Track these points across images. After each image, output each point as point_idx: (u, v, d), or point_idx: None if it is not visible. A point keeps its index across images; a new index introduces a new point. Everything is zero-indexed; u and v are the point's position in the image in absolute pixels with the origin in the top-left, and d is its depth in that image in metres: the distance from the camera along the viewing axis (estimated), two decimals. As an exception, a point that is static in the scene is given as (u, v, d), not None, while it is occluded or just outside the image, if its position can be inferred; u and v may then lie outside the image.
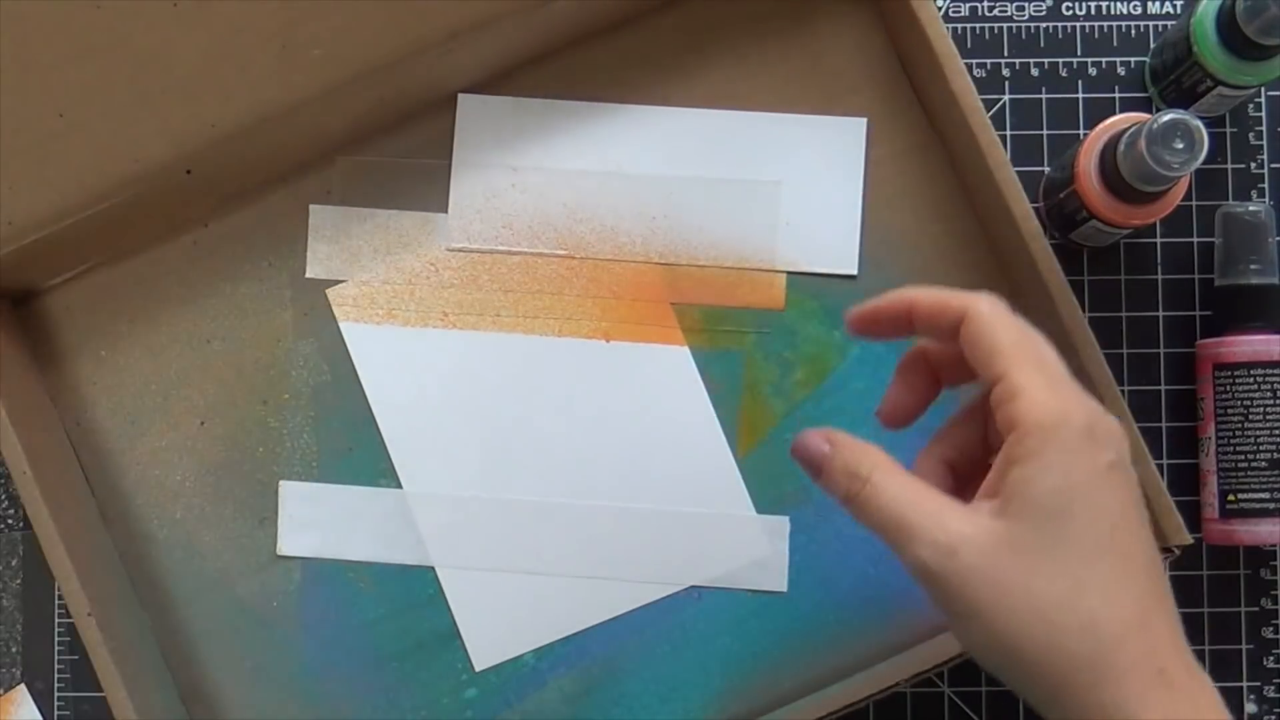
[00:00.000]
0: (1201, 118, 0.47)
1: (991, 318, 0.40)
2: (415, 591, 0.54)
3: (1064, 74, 0.57)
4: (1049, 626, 0.37)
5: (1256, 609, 0.56)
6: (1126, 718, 0.36)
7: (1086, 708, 0.37)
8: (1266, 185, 0.57)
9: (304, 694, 0.54)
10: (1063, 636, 0.37)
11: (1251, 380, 0.53)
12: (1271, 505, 0.53)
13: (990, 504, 0.39)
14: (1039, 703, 0.38)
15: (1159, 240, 0.57)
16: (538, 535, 0.54)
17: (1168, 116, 0.47)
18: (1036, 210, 0.52)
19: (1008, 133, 0.57)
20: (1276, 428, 0.53)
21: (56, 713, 0.56)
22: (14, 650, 0.56)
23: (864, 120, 0.55)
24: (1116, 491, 0.38)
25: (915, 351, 0.44)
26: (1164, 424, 0.56)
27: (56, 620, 0.56)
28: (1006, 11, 0.57)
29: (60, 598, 0.56)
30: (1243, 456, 0.53)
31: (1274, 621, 0.55)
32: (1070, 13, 0.57)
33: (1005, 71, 0.57)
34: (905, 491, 0.39)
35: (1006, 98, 0.57)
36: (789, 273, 0.55)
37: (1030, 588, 0.37)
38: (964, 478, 0.44)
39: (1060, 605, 0.37)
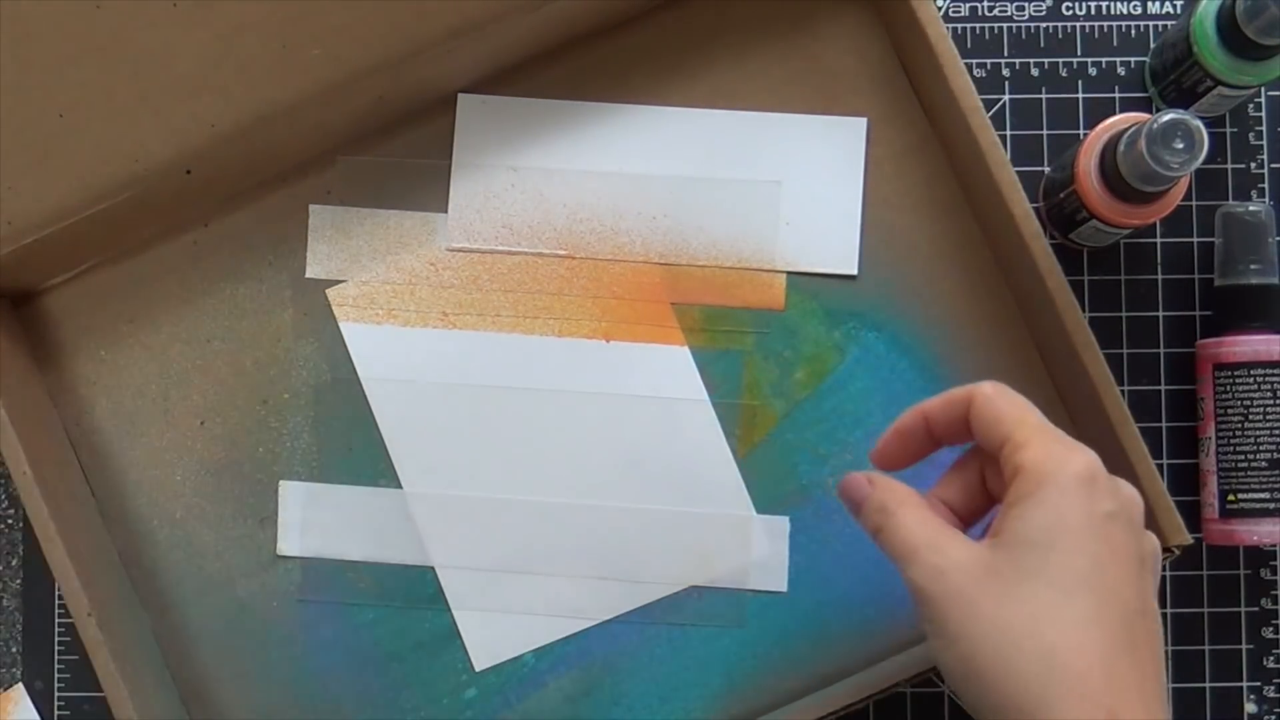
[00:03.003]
0: (1201, 118, 0.47)
1: (995, 395, 0.42)
2: (415, 591, 0.54)
3: (1064, 74, 0.57)
4: (1010, 650, 0.38)
5: (1256, 609, 0.56)
6: None
7: None
8: (1266, 185, 0.57)
9: (304, 694, 0.54)
10: (1020, 661, 0.38)
11: (1251, 380, 0.53)
12: (1271, 505, 0.53)
13: (989, 540, 0.40)
14: None
15: (1159, 240, 0.57)
16: (538, 535, 0.54)
17: (1168, 116, 0.47)
18: (1036, 210, 0.52)
19: (1008, 133, 0.57)
20: (1276, 428, 0.53)
21: (56, 713, 0.56)
22: (14, 650, 0.56)
23: (864, 120, 0.55)
24: (1109, 541, 0.39)
25: (915, 412, 0.45)
26: (1164, 424, 0.56)
27: (56, 620, 0.56)
28: (1006, 11, 0.57)
29: (60, 598, 0.56)
30: (1243, 456, 0.53)
31: (1274, 621, 0.55)
32: (1070, 13, 0.57)
33: (1005, 71, 0.57)
34: (920, 523, 0.41)
35: (1006, 98, 0.57)
36: (789, 273, 0.55)
37: (999, 612, 0.38)
38: (966, 523, 0.45)
39: (1025, 632, 0.38)
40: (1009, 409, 0.42)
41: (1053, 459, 0.40)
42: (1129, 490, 0.41)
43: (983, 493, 0.45)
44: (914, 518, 0.42)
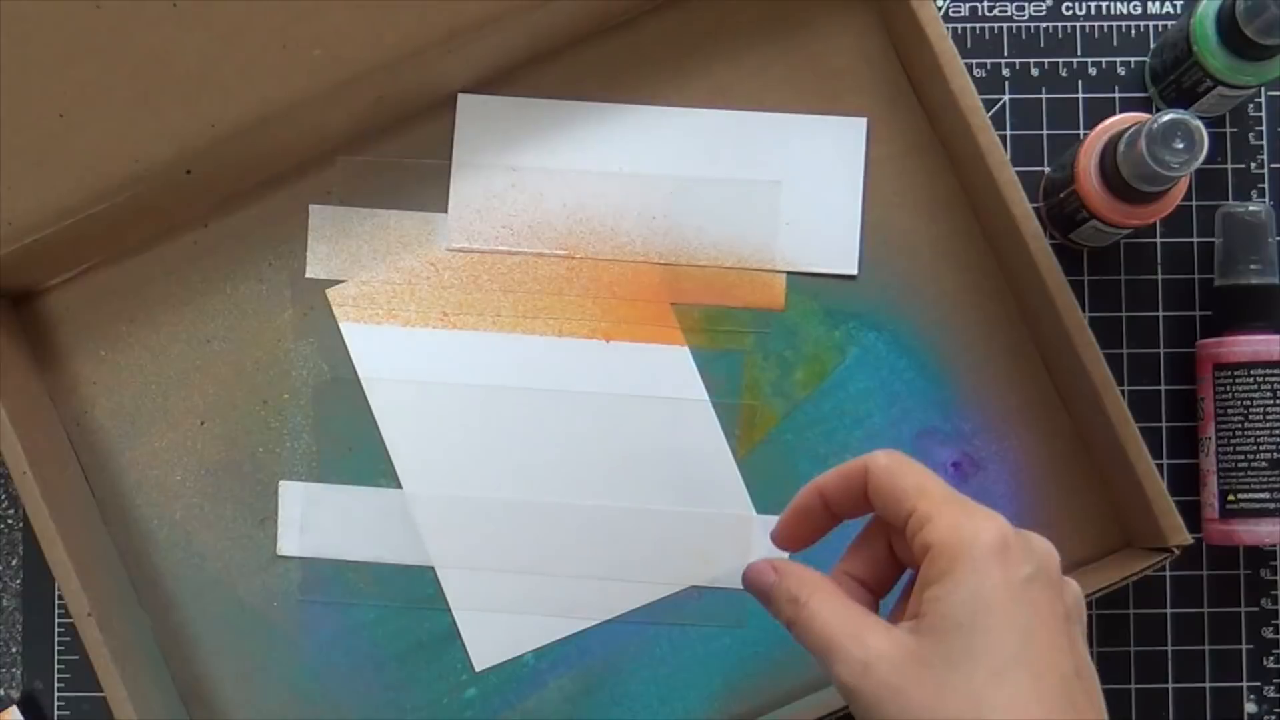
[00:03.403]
0: (1201, 118, 0.47)
1: (890, 466, 0.41)
2: (415, 591, 0.54)
3: (1064, 74, 0.57)
4: None
5: (1256, 609, 0.56)
6: None
7: None
8: (1266, 185, 0.57)
9: (304, 694, 0.54)
10: None
11: (1251, 380, 0.53)
12: (1271, 505, 0.53)
13: (909, 624, 0.39)
14: None
15: (1159, 240, 0.57)
16: (538, 535, 0.54)
17: (1168, 116, 0.47)
18: (1036, 210, 0.52)
19: (1008, 133, 0.57)
20: (1276, 428, 0.53)
21: (56, 713, 0.56)
22: (14, 650, 0.56)
23: (864, 120, 0.55)
24: (1032, 606, 0.38)
25: (811, 490, 0.44)
26: (1164, 424, 0.56)
27: (56, 620, 0.56)
28: (1006, 11, 0.57)
29: (60, 598, 0.56)
30: (1243, 456, 0.53)
31: (1274, 621, 0.55)
32: (1070, 13, 0.57)
33: (1005, 71, 0.57)
34: (836, 614, 0.40)
35: (1006, 98, 0.57)
36: (789, 273, 0.55)
37: (934, 703, 0.37)
38: (876, 594, 0.44)
39: None
40: (908, 481, 0.40)
41: (963, 532, 0.38)
42: (1042, 545, 0.39)
43: (891, 562, 0.43)
44: (829, 608, 0.40)
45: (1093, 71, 0.57)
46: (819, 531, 0.44)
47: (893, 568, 0.43)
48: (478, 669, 0.54)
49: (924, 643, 0.38)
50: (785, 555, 0.47)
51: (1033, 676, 0.37)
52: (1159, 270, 0.56)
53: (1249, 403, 0.53)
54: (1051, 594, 0.38)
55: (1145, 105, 0.57)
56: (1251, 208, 0.54)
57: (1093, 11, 0.57)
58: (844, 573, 0.44)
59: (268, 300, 0.55)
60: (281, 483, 0.54)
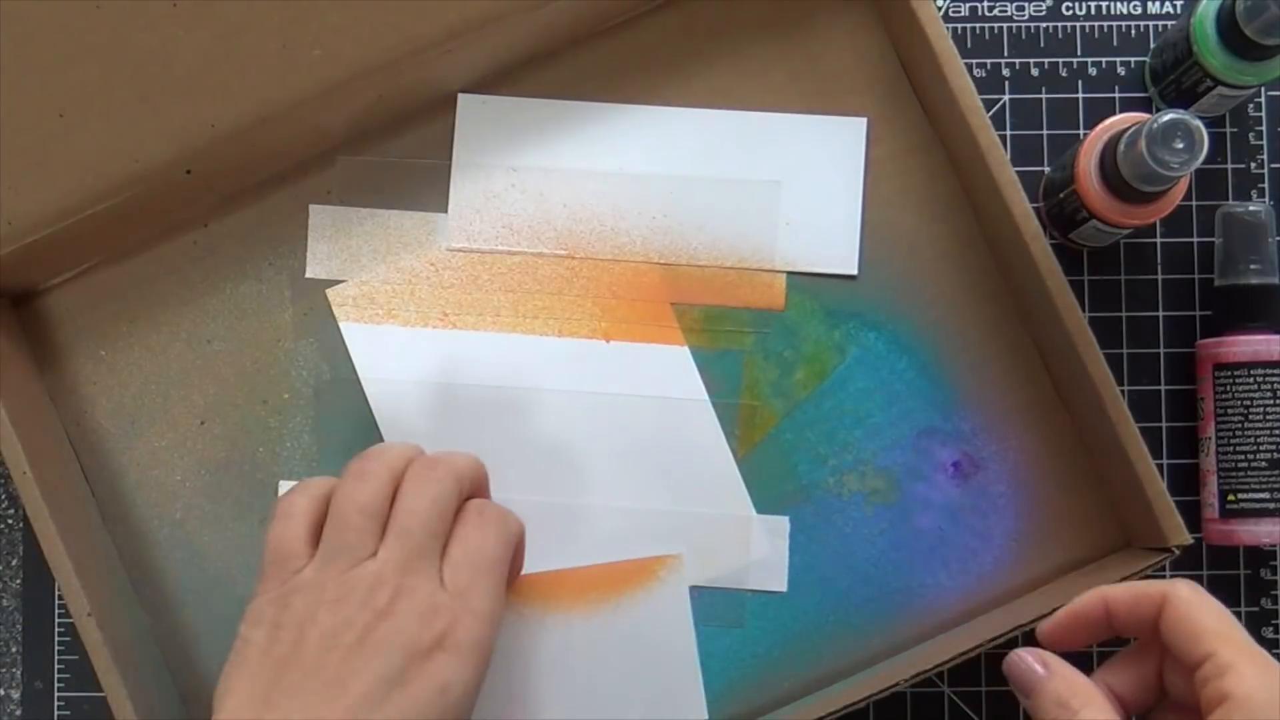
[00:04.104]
0: (1201, 118, 0.47)
1: (1193, 602, 0.40)
2: (415, 591, 0.54)
3: (1064, 74, 0.57)
4: None
5: (1256, 609, 0.56)
6: None
7: None
8: (1266, 185, 0.57)
9: (304, 694, 0.54)
10: None
11: (1251, 380, 0.53)
12: (1271, 505, 0.53)
13: None
14: None
15: (1159, 240, 0.57)
16: (537, 535, 0.54)
17: (1168, 116, 0.46)
18: (1036, 210, 0.52)
19: (1008, 133, 0.57)
20: (1277, 428, 0.53)
21: (56, 713, 0.56)
22: (14, 650, 0.56)
23: (864, 120, 0.55)
24: None
25: (1096, 599, 0.43)
26: (1164, 424, 0.56)
27: (56, 620, 0.56)
28: (1006, 11, 0.57)
29: (60, 598, 0.56)
30: (1243, 456, 0.53)
31: (1274, 621, 0.55)
32: (1070, 13, 0.57)
33: (1005, 71, 0.57)
34: None
35: (1006, 98, 0.57)
36: (789, 273, 0.55)
37: None
38: (1130, 712, 0.43)
39: None
40: (1211, 623, 0.40)
41: (1264, 689, 0.38)
42: None
43: (1157, 688, 0.43)
44: None
45: (1093, 71, 0.57)
46: (1092, 640, 0.44)
47: (1156, 693, 0.43)
48: (478, 669, 0.54)
49: None
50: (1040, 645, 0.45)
51: None
52: (1159, 270, 0.56)
53: (1249, 403, 0.53)
54: None
55: (1145, 105, 0.57)
56: (1251, 208, 0.54)
57: (1093, 11, 0.57)
58: (1104, 682, 0.43)
59: (268, 300, 0.55)
60: (282, 483, 0.54)
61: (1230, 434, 0.53)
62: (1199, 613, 0.40)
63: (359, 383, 0.55)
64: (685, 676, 0.53)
